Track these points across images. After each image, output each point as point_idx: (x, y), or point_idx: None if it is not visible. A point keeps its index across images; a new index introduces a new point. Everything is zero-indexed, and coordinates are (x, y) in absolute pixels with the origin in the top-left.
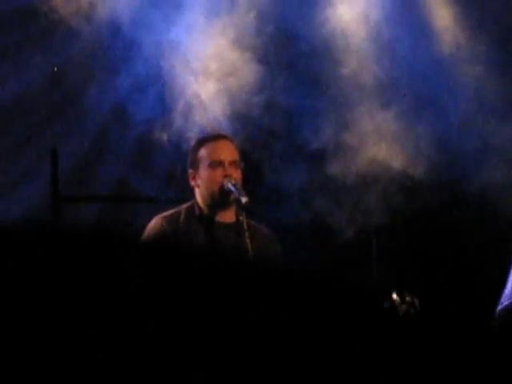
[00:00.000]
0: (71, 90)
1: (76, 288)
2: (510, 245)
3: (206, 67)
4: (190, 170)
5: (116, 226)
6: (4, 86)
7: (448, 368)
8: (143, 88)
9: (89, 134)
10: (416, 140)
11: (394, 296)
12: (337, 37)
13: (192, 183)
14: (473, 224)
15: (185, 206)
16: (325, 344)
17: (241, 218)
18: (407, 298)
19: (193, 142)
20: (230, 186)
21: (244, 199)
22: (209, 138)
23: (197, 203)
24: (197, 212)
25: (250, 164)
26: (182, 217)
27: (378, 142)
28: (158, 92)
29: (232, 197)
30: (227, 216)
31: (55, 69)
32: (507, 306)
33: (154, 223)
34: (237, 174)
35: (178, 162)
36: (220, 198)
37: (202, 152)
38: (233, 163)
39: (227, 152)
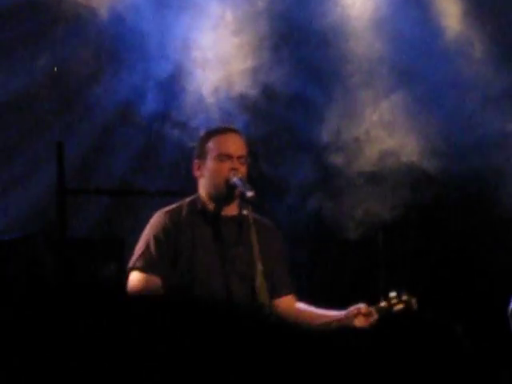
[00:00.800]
0: (77, 83)
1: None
2: None
3: (210, 58)
4: (196, 160)
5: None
6: (10, 79)
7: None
8: (149, 82)
9: (95, 128)
10: (424, 131)
11: (392, 294)
12: (342, 25)
13: (197, 173)
14: (484, 221)
15: (187, 200)
16: None
17: (244, 211)
18: (404, 297)
19: (202, 133)
20: (235, 180)
21: (249, 193)
22: (219, 130)
23: (199, 196)
24: (199, 206)
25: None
26: (185, 211)
27: (385, 134)
28: (164, 86)
29: (237, 191)
30: (230, 209)
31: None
32: None
33: (157, 218)
34: (243, 169)
35: (183, 156)
36: (225, 191)
37: (211, 143)
38: (240, 158)
39: (236, 146)
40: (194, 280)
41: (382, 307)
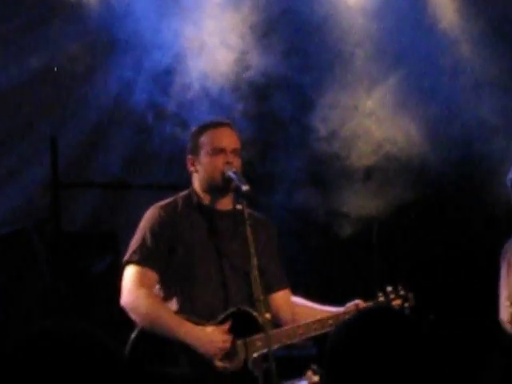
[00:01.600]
0: (70, 78)
1: None
2: None
3: (209, 50)
4: (190, 156)
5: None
6: (5, 71)
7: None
8: (141, 76)
9: (89, 122)
10: (418, 122)
11: (389, 289)
12: (338, 15)
13: (191, 169)
14: (480, 213)
15: (181, 194)
16: None
17: (238, 206)
18: (401, 292)
19: (194, 128)
20: (230, 173)
21: (245, 187)
22: (211, 125)
23: (194, 191)
24: (194, 200)
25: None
26: (180, 205)
27: (380, 124)
28: (156, 79)
29: (232, 184)
30: (224, 204)
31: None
32: None
33: (153, 212)
34: (237, 162)
35: (177, 150)
36: (220, 185)
37: (204, 138)
38: (234, 151)
39: (229, 140)
40: (190, 274)
41: (380, 302)
